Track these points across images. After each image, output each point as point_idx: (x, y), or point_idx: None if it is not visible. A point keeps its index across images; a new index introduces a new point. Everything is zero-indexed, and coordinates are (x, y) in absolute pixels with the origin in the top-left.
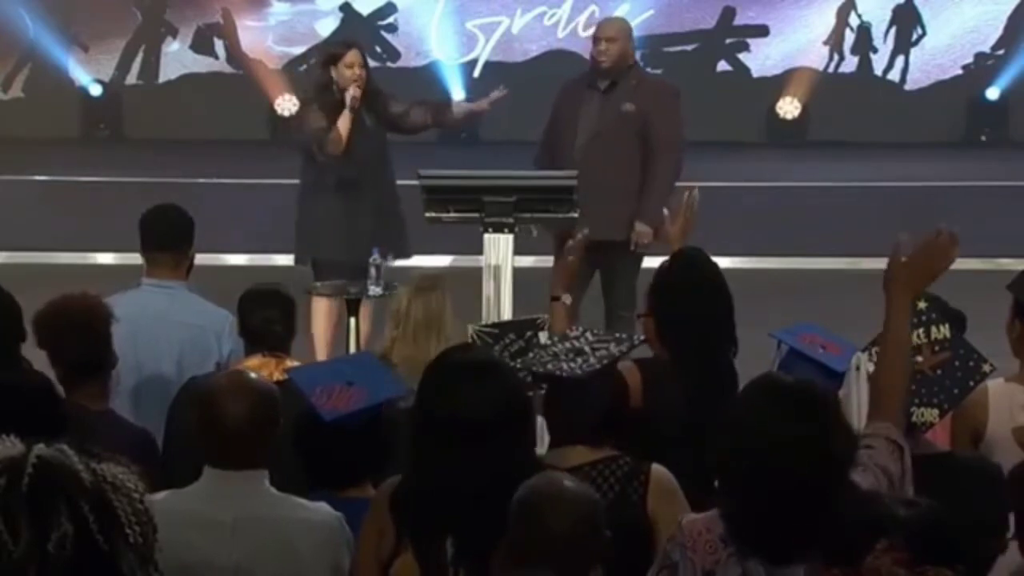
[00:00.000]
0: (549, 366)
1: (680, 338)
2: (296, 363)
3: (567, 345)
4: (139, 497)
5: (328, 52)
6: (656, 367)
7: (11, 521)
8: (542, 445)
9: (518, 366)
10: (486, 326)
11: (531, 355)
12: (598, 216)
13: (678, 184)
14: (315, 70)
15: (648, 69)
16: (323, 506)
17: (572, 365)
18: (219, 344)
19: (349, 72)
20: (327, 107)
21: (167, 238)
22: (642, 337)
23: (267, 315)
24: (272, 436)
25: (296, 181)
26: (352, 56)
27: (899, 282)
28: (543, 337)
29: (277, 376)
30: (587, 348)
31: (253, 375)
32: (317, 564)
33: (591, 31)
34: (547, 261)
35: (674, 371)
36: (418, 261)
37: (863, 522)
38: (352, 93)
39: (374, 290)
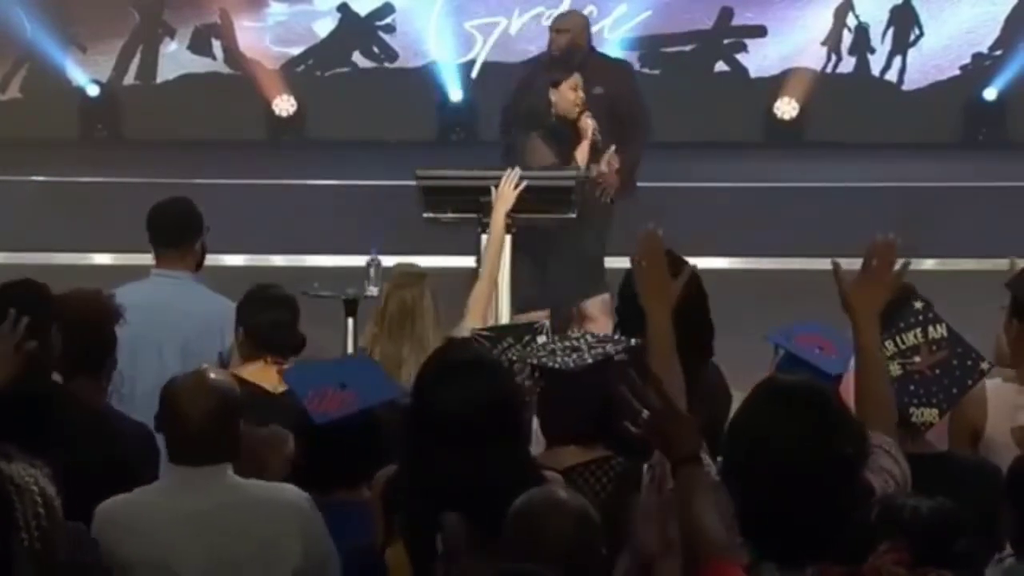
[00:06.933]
0: (543, 359)
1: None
2: None
3: (566, 343)
4: (42, 502)
5: (551, 76)
6: None
7: None
8: (537, 447)
9: (514, 358)
10: (483, 330)
11: (528, 349)
12: None
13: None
14: (526, 93)
15: (646, 70)
16: (289, 487)
17: (566, 360)
18: (223, 334)
19: (573, 96)
20: (547, 135)
21: (170, 233)
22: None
23: (276, 318)
24: (234, 432)
25: (294, 182)
26: (576, 79)
27: (858, 307)
28: (541, 342)
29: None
30: (584, 346)
31: (214, 375)
32: (287, 543)
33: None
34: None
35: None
36: (417, 262)
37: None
38: (593, 125)
39: (371, 290)
